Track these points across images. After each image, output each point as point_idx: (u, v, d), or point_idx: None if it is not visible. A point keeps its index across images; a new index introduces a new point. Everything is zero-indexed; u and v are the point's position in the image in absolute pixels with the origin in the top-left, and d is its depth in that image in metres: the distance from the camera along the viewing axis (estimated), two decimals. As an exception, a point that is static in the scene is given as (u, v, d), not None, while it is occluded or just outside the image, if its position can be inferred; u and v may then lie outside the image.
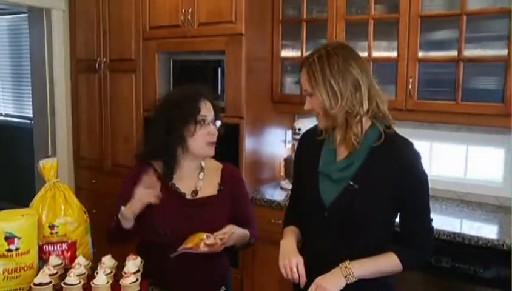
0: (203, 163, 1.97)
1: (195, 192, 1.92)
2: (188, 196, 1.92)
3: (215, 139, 1.89)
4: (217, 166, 2.01)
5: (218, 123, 1.94)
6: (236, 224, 1.92)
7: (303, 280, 1.58)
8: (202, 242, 1.72)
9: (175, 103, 1.87)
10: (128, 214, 1.75)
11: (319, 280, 1.53)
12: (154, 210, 1.86)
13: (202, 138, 1.86)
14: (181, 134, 1.84)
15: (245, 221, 1.97)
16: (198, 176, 1.95)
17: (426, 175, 1.60)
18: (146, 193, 1.71)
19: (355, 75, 1.53)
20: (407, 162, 1.57)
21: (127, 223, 1.77)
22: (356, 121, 1.55)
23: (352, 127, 1.55)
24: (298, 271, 1.58)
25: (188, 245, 1.74)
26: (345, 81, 1.52)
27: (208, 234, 1.75)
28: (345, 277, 1.52)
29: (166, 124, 1.84)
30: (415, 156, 1.59)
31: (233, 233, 1.79)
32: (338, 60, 1.53)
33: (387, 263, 1.59)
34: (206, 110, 1.87)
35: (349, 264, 1.54)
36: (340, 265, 1.54)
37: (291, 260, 1.59)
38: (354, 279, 1.53)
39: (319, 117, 1.61)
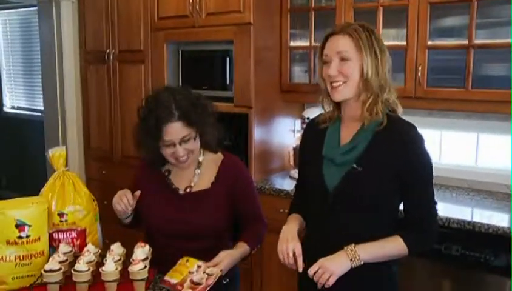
0: (200, 158, 1.94)
1: (189, 187, 1.92)
2: (181, 192, 1.92)
3: (182, 159, 1.83)
4: (216, 159, 1.96)
5: (193, 143, 1.84)
6: (241, 219, 1.94)
7: (300, 264, 1.56)
8: (188, 278, 1.62)
9: (142, 119, 1.84)
10: (119, 215, 1.89)
11: (324, 260, 1.52)
12: (148, 204, 1.92)
13: (169, 155, 1.84)
14: (152, 147, 1.85)
15: (248, 218, 1.96)
16: (195, 171, 1.94)
17: (429, 157, 1.59)
18: (117, 200, 1.83)
19: (388, 54, 1.59)
20: (410, 144, 1.56)
21: (125, 220, 1.94)
22: (384, 96, 1.57)
23: (379, 101, 1.56)
24: (294, 257, 1.57)
25: (173, 279, 1.65)
26: (384, 55, 1.57)
27: (200, 264, 1.66)
28: (351, 260, 1.51)
29: (138, 135, 1.88)
30: (418, 138, 1.58)
31: (221, 262, 1.71)
32: (379, 37, 1.59)
33: (394, 247, 1.58)
34: (170, 134, 1.78)
35: (354, 247, 1.53)
36: (346, 248, 1.53)
37: (288, 246, 1.58)
38: (360, 263, 1.52)
39: (346, 85, 1.57)
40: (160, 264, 1.76)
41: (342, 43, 1.57)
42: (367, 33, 1.56)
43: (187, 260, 1.70)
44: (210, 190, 1.91)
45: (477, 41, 2.48)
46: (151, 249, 1.74)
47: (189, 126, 1.80)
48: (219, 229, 1.91)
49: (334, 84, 1.59)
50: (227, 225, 1.95)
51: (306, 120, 3.02)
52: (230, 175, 1.94)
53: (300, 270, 1.57)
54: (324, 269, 1.50)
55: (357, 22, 1.65)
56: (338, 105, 1.68)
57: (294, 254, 1.57)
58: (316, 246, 1.61)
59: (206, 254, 1.80)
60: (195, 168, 1.94)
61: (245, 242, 1.86)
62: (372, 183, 1.56)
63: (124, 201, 1.80)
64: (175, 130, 1.78)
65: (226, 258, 1.73)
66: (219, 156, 1.97)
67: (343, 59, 1.56)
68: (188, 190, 1.92)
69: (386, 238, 1.57)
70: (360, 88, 1.57)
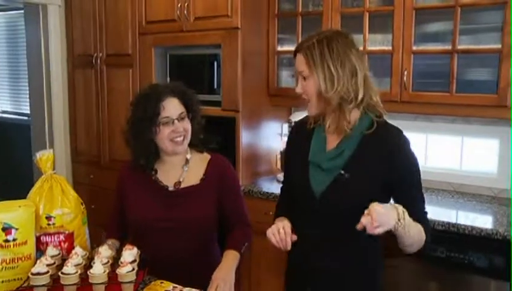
0: (188, 156, 1.98)
1: (178, 184, 1.94)
2: (171, 188, 1.93)
3: (179, 136, 1.88)
4: (204, 158, 2.01)
5: (188, 122, 1.91)
6: (226, 218, 1.96)
7: (288, 242, 1.54)
8: None
9: (137, 105, 1.90)
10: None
11: (376, 211, 1.37)
12: (136, 205, 1.93)
13: (166, 136, 1.87)
14: (146, 136, 1.87)
15: (234, 217, 1.98)
16: (183, 168, 1.96)
17: (417, 161, 1.59)
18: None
19: (353, 62, 1.53)
20: (397, 147, 1.55)
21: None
22: (349, 108, 1.54)
23: (345, 113, 1.54)
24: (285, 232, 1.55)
25: None
26: (343, 66, 1.52)
27: (175, 286, 1.65)
28: (398, 220, 1.42)
29: (132, 126, 1.90)
30: (404, 141, 1.58)
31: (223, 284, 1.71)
32: (337, 45, 1.53)
33: (420, 230, 1.52)
34: (169, 109, 1.86)
35: (404, 212, 1.43)
36: (397, 206, 1.44)
37: (277, 224, 1.57)
38: (399, 227, 1.42)
39: (311, 103, 1.59)
40: (151, 262, 1.76)
41: (299, 63, 1.58)
42: (321, 48, 1.53)
43: (162, 282, 1.69)
44: (200, 185, 1.93)
45: (461, 46, 2.52)
46: (139, 251, 1.74)
47: (184, 105, 1.90)
48: (209, 225, 1.94)
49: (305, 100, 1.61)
50: (216, 223, 1.97)
51: (293, 124, 3.04)
52: (218, 171, 1.97)
53: (288, 248, 1.55)
54: (374, 219, 1.36)
55: (321, 31, 1.60)
56: None
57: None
58: (303, 250, 1.61)
59: (195, 254, 1.84)
60: (183, 165, 1.97)
61: (232, 249, 1.87)
62: (359, 191, 1.55)
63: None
64: (174, 104, 1.87)
65: (224, 276, 1.74)
66: (206, 156, 2.02)
67: (303, 78, 1.58)
68: (177, 186, 1.93)
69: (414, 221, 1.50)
70: (322, 104, 1.56)
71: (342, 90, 1.52)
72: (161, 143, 1.89)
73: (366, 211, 1.38)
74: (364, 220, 1.37)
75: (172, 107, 1.87)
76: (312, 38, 1.57)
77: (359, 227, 1.38)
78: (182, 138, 1.89)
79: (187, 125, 1.91)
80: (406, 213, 1.44)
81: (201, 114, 2.00)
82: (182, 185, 1.93)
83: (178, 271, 1.77)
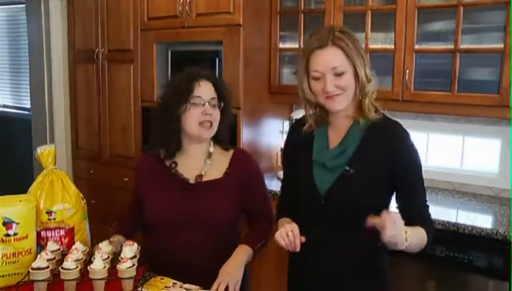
0: (211, 149, 1.93)
1: (199, 177, 1.88)
2: (192, 181, 1.88)
3: (209, 119, 1.83)
4: (228, 152, 1.95)
5: (218, 110, 1.88)
6: (249, 213, 1.93)
7: (298, 244, 1.53)
8: None
9: (171, 83, 1.91)
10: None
11: (393, 231, 1.37)
12: (153, 198, 1.89)
13: (195, 117, 1.82)
14: (174, 113, 1.83)
15: (257, 211, 1.93)
16: (205, 161, 1.91)
17: (416, 151, 1.61)
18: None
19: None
20: (397, 137, 1.57)
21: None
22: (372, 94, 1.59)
23: (368, 99, 1.58)
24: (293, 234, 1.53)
25: None
26: (366, 55, 1.59)
27: (175, 282, 1.66)
28: (406, 239, 1.43)
29: (162, 105, 1.89)
30: (404, 131, 1.60)
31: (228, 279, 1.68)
32: (355, 37, 1.57)
33: (423, 235, 1.54)
34: (201, 90, 1.83)
35: (409, 235, 1.44)
36: (405, 230, 1.44)
37: (286, 227, 1.54)
38: (403, 247, 1.44)
39: (344, 97, 1.55)
40: (163, 258, 1.77)
41: (334, 58, 1.52)
42: (349, 38, 1.54)
43: (162, 278, 1.69)
44: (223, 179, 1.88)
45: (463, 46, 2.52)
46: (139, 247, 1.73)
47: (217, 93, 1.87)
48: (231, 220, 1.88)
49: (330, 95, 1.54)
50: (238, 219, 1.93)
51: (294, 121, 3.04)
52: (242, 165, 1.93)
53: (297, 250, 1.53)
54: (388, 224, 1.37)
55: (330, 27, 1.60)
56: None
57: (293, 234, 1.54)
58: (307, 249, 1.60)
59: (214, 252, 1.80)
60: (205, 158, 1.92)
61: (245, 244, 1.83)
62: (364, 186, 1.56)
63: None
64: (207, 88, 1.85)
65: (231, 271, 1.70)
66: (229, 149, 1.97)
67: (337, 74, 1.52)
68: (198, 179, 1.88)
69: (413, 226, 1.51)
70: (357, 93, 1.57)
71: (369, 76, 1.57)
72: (187, 125, 1.84)
73: (385, 213, 1.38)
74: (378, 220, 1.37)
75: (206, 90, 1.84)
76: (331, 31, 1.55)
77: (369, 223, 1.39)
78: (209, 124, 1.85)
79: (216, 113, 1.86)
80: (410, 234, 1.44)
81: (231, 110, 1.98)
82: (204, 179, 1.88)
83: (194, 267, 1.75)
